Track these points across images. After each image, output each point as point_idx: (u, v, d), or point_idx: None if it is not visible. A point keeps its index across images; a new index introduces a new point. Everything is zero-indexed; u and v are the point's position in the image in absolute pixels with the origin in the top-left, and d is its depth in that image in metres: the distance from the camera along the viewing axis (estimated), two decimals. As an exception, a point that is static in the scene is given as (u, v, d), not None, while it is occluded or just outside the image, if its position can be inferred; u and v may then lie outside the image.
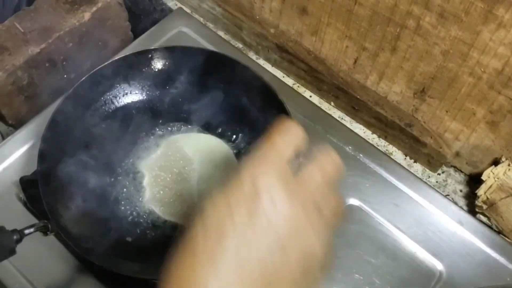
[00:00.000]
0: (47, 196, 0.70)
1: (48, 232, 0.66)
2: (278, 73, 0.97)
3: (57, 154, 0.76)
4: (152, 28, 0.98)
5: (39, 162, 0.73)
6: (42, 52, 0.89)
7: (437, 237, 0.78)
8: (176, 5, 1.04)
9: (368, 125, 0.91)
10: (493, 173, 0.79)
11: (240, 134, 0.85)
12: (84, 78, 0.80)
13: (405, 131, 0.85)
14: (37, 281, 0.73)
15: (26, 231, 0.62)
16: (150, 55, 0.85)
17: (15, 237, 0.61)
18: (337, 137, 0.86)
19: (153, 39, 0.96)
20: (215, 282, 0.38)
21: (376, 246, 0.78)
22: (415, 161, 0.88)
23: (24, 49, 0.87)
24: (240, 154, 0.83)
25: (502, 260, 0.76)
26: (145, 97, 0.87)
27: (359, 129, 0.91)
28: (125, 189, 0.80)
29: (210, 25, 1.02)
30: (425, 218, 0.80)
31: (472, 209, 0.82)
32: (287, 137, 0.43)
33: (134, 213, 0.78)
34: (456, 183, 0.86)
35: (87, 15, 0.93)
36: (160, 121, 0.86)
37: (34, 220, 0.74)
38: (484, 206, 0.79)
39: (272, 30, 0.93)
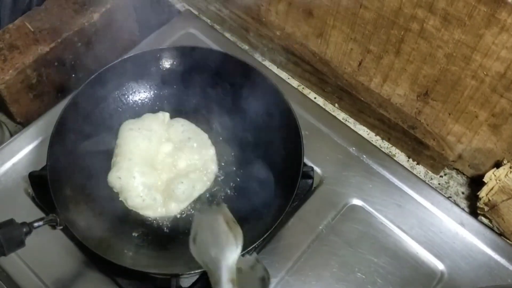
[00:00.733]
0: (55, 191, 0.71)
1: (56, 226, 0.67)
2: (284, 75, 0.98)
3: (66, 150, 0.77)
4: (160, 29, 1.00)
5: (49, 157, 0.74)
6: (52, 51, 0.90)
7: (439, 238, 0.79)
8: (184, 7, 1.06)
9: (371, 126, 0.92)
10: (495, 176, 0.79)
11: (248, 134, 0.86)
12: (92, 76, 0.81)
13: (408, 133, 0.86)
14: (44, 275, 0.74)
15: (35, 224, 0.63)
16: (158, 55, 0.86)
17: (24, 229, 0.62)
18: (341, 139, 0.87)
19: (161, 39, 0.97)
20: None
21: (379, 246, 0.79)
22: (417, 163, 0.89)
23: (34, 48, 0.89)
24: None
25: (503, 261, 0.77)
26: (152, 95, 0.88)
27: (362, 130, 0.92)
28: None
29: (217, 27, 1.03)
30: (427, 219, 0.80)
31: (473, 211, 0.83)
32: None
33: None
34: (458, 185, 0.87)
35: (96, 16, 0.94)
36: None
37: (42, 215, 0.75)
38: (486, 208, 0.80)
39: (278, 33, 0.94)
